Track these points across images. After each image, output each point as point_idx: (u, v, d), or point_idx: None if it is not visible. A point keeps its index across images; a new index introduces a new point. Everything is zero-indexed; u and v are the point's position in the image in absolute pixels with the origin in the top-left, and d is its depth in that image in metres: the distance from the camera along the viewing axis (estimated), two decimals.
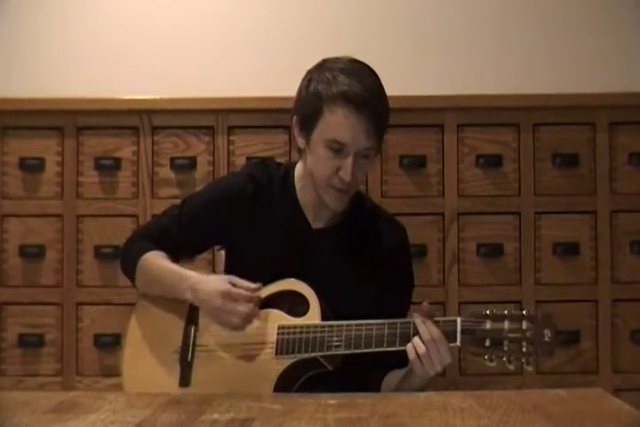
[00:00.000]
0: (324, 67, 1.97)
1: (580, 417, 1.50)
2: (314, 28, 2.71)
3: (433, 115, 2.65)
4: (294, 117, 2.01)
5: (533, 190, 2.64)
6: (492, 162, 2.65)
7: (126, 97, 2.66)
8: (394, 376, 1.99)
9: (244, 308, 1.92)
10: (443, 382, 2.56)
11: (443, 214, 2.64)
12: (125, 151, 2.68)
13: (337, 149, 1.92)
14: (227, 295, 1.92)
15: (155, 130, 2.68)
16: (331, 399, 1.63)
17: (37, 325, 2.65)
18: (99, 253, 2.65)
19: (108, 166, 2.68)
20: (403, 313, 2.00)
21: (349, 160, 1.92)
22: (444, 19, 2.73)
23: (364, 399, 1.64)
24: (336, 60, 1.99)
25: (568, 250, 2.63)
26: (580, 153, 2.65)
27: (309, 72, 2.00)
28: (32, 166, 2.68)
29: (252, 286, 1.95)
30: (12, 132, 2.69)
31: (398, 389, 1.96)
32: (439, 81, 2.68)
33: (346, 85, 1.91)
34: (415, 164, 2.65)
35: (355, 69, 1.96)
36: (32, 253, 2.66)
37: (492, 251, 2.63)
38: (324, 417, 1.49)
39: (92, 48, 2.74)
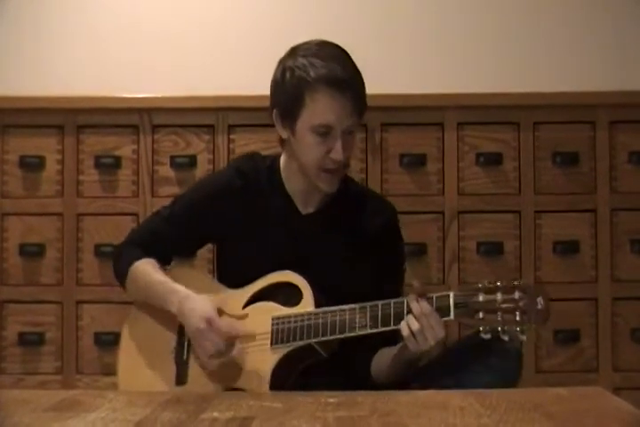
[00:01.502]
0: (296, 54, 1.98)
1: (580, 416, 1.50)
2: (314, 27, 2.70)
3: (433, 113, 2.65)
4: (274, 110, 2.01)
5: (533, 189, 2.64)
6: (492, 160, 2.65)
7: (126, 95, 2.66)
8: (383, 355, 2.00)
9: (219, 344, 1.91)
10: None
11: (443, 213, 2.64)
12: (125, 150, 2.68)
13: (324, 132, 1.94)
14: (208, 322, 1.92)
15: (155, 128, 2.68)
16: (331, 398, 1.63)
17: (37, 323, 2.65)
18: (99, 251, 2.65)
19: (109, 165, 2.68)
20: (399, 289, 2.03)
21: (338, 141, 1.94)
22: (444, 17, 2.72)
23: (363, 398, 1.64)
24: (306, 45, 2.00)
25: (568, 248, 2.63)
26: (580, 151, 2.65)
27: (281, 62, 2.01)
28: (32, 165, 2.68)
29: (234, 332, 1.94)
30: (12, 130, 2.69)
31: (390, 369, 1.96)
32: (439, 79, 2.68)
33: (323, 69, 1.92)
34: (415, 162, 2.65)
35: (327, 52, 1.97)
36: (32, 252, 2.66)
37: (492, 249, 2.63)
38: (323, 416, 1.49)
39: (92, 46, 2.73)
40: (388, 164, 2.65)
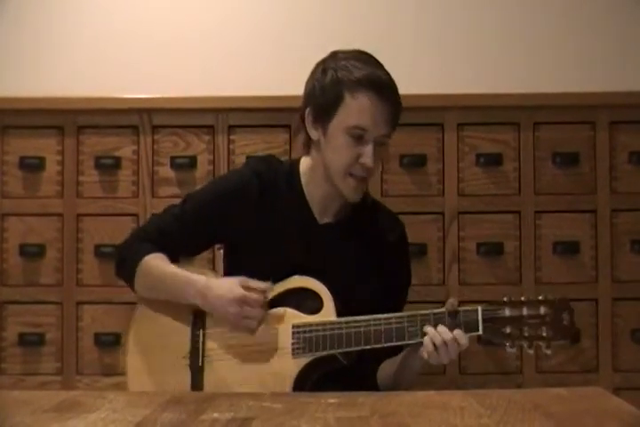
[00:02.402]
0: (336, 57, 1.99)
1: (580, 416, 1.50)
2: (314, 27, 2.71)
3: (433, 114, 2.65)
4: (307, 109, 1.99)
5: (533, 189, 2.64)
6: (492, 161, 2.65)
7: (126, 96, 2.66)
8: (388, 363, 2.00)
9: (258, 310, 1.92)
10: (442, 381, 2.56)
11: (443, 213, 2.64)
12: (125, 150, 2.68)
13: (358, 135, 1.92)
14: (241, 300, 1.91)
15: (155, 129, 2.68)
16: (331, 398, 1.63)
17: (37, 324, 2.65)
18: (99, 252, 2.65)
19: (109, 165, 2.67)
20: (403, 304, 2.04)
21: (370, 146, 1.93)
22: (444, 17, 2.72)
23: (364, 398, 1.64)
24: (346, 51, 2.00)
25: (568, 249, 2.63)
26: (580, 152, 2.65)
27: (321, 63, 2.00)
28: (32, 165, 2.68)
29: (263, 286, 1.94)
30: (12, 131, 2.69)
31: (397, 375, 1.97)
32: (439, 80, 2.68)
33: (366, 71, 1.93)
34: (415, 163, 2.65)
35: (368, 59, 1.99)
36: (32, 253, 2.66)
37: (492, 250, 2.63)
38: (324, 416, 1.49)
39: (92, 47, 2.73)
40: (388, 164, 2.65)
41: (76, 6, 2.76)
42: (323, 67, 1.99)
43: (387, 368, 2.01)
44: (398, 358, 1.98)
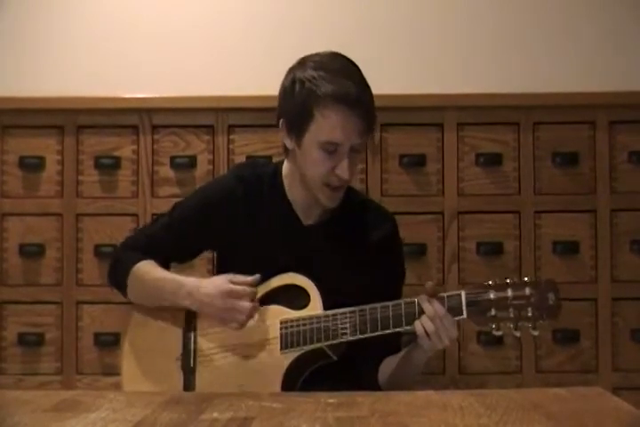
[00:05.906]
0: (305, 65, 1.94)
1: (579, 416, 1.50)
2: (313, 26, 2.71)
3: (433, 113, 2.65)
4: (281, 120, 1.99)
5: (533, 189, 2.64)
6: (491, 161, 2.65)
7: (126, 96, 2.66)
8: (390, 363, 2.00)
9: (246, 303, 1.93)
10: (442, 380, 2.57)
11: (442, 213, 2.64)
12: (125, 150, 2.68)
13: (331, 149, 1.91)
14: (229, 294, 1.93)
15: (155, 129, 2.68)
16: (330, 398, 1.63)
17: (37, 324, 2.65)
18: (98, 251, 2.65)
19: (108, 165, 2.68)
20: (397, 299, 2.03)
21: (345, 159, 1.91)
22: (443, 17, 2.72)
23: (363, 398, 1.64)
24: (316, 57, 1.96)
25: (568, 249, 2.63)
26: (579, 152, 2.65)
27: (291, 71, 1.97)
28: (32, 165, 2.68)
29: (250, 279, 1.96)
30: (12, 130, 2.69)
31: (399, 372, 1.97)
32: (439, 79, 2.68)
33: (334, 84, 1.88)
34: (415, 162, 2.65)
35: (338, 66, 1.93)
36: (32, 252, 2.66)
37: (491, 250, 2.63)
38: (323, 416, 1.49)
39: (92, 47, 2.74)
40: (387, 164, 2.65)
41: (75, 6, 2.75)
42: (292, 77, 1.94)
43: (387, 369, 2.01)
44: (400, 355, 1.98)
